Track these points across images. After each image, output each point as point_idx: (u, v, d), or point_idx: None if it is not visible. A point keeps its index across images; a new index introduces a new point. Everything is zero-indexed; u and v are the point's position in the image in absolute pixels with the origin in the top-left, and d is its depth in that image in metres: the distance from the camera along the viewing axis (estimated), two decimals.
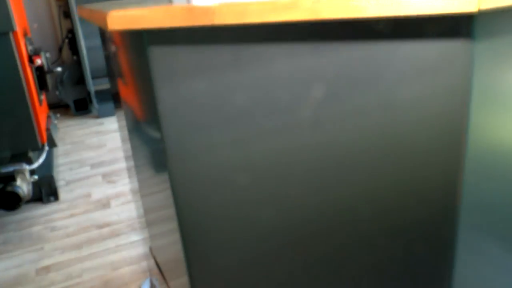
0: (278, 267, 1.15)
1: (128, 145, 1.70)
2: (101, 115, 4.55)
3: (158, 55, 0.89)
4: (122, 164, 3.46)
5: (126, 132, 1.67)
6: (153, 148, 1.12)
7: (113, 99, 1.95)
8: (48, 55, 3.26)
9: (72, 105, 4.65)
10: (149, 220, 1.60)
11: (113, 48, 1.48)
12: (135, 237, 2.54)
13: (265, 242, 1.11)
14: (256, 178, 1.05)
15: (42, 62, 2.98)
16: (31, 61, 2.89)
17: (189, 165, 1.00)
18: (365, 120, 1.04)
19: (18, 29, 2.63)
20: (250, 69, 0.96)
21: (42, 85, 3.09)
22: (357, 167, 1.08)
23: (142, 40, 0.91)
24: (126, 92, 1.41)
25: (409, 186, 1.16)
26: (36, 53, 3.03)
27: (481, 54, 0.94)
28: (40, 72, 3.05)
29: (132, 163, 1.71)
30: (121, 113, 1.74)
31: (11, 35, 2.59)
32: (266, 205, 1.08)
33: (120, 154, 3.65)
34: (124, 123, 1.67)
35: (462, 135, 1.09)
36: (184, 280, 1.12)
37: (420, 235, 1.22)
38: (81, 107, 4.69)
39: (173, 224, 1.09)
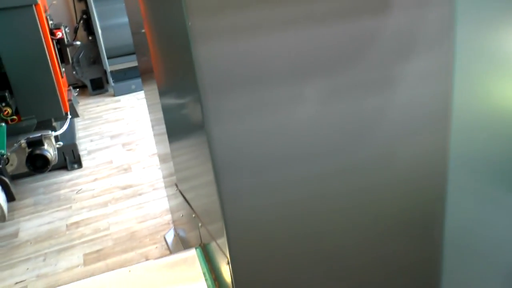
0: (307, 217, 1.28)
1: (157, 115, 1.83)
2: (117, 93, 4.69)
3: None
4: (141, 135, 3.59)
5: (155, 103, 1.79)
6: (191, 106, 1.23)
7: (141, 75, 2.10)
8: (67, 29, 3.39)
9: (89, 84, 4.79)
10: (182, 177, 1.72)
11: (143, 19, 1.60)
12: (157, 195, 2.68)
13: (295, 194, 1.24)
14: (290, 135, 1.18)
15: (62, 35, 3.11)
16: (52, 34, 3.02)
17: (225, 121, 1.11)
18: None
19: (40, 2, 2.76)
20: None
21: (62, 57, 3.22)
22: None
23: None
24: (160, 59, 1.54)
25: (403, 144, 1.29)
26: (57, 27, 3.15)
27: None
28: (60, 45, 3.18)
29: (160, 129, 1.84)
30: (149, 86, 1.88)
31: (34, 8, 2.71)
32: (298, 160, 1.21)
33: (138, 126, 3.79)
34: (152, 94, 1.80)
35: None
36: (220, 224, 1.25)
37: (416, 184, 1.34)
38: (98, 86, 4.83)
39: (210, 177, 1.21)
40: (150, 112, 2.09)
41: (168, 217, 2.42)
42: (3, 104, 2.64)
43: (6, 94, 2.64)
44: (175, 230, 2.29)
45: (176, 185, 1.76)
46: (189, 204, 1.63)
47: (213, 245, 1.47)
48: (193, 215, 1.60)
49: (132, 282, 1.52)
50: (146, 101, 2.12)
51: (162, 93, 1.64)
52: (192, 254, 1.59)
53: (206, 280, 1.53)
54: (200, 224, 1.54)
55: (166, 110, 1.67)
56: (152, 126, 2.14)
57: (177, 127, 1.57)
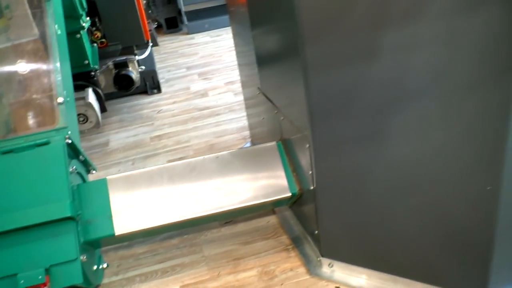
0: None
1: (245, 47, 1.98)
2: (191, 31, 4.85)
3: None
4: (216, 66, 3.74)
5: (243, 35, 1.93)
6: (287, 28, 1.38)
7: (229, 10, 2.21)
8: None
9: (163, 23, 4.97)
10: (268, 81, 1.85)
11: None
12: (234, 115, 2.83)
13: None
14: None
15: None
16: None
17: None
18: None
19: None
20: None
21: None
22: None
23: None
24: None
25: None
26: None
27: None
28: None
29: (247, 60, 1.99)
30: (238, 21, 2.03)
31: None
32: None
33: (213, 59, 3.93)
34: (241, 28, 1.95)
35: None
36: (303, 107, 1.38)
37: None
38: (172, 25, 5.00)
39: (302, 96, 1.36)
40: (236, 45, 2.23)
41: (245, 133, 2.56)
42: (94, 28, 2.86)
43: (96, 20, 2.87)
44: (252, 143, 2.43)
45: (259, 88, 1.88)
46: (271, 102, 1.75)
47: (293, 138, 1.59)
48: (275, 111, 1.71)
49: (218, 166, 1.67)
50: (233, 34, 2.23)
51: (255, 26, 1.77)
52: (273, 146, 1.72)
53: (285, 169, 1.66)
54: (282, 118, 1.65)
55: (257, 40, 1.79)
56: (238, 57, 2.27)
57: (269, 54, 1.72)
